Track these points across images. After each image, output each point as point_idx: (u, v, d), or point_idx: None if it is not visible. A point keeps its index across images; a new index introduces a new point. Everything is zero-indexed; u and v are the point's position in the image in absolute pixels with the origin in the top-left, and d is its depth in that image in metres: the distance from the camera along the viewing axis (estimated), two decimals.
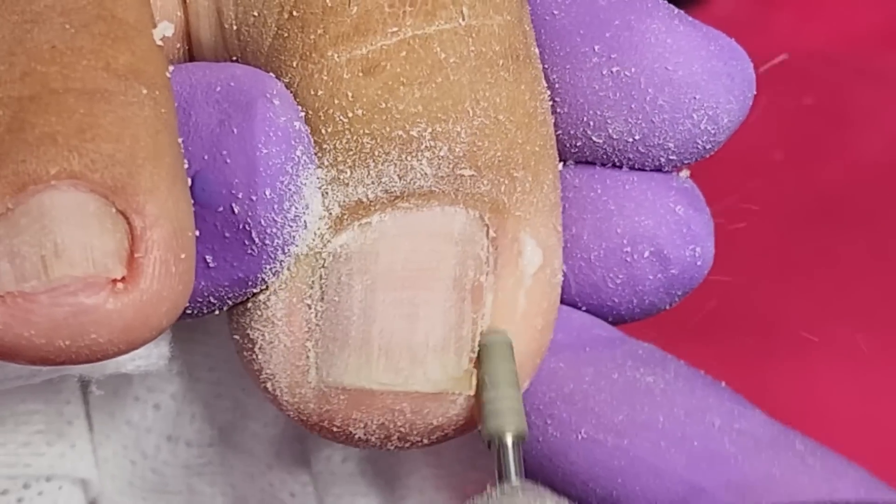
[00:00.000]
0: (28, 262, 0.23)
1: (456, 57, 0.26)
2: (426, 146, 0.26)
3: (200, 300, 0.26)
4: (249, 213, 0.25)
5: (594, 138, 0.28)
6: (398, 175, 0.26)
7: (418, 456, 0.32)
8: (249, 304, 0.26)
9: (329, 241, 0.26)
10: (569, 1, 0.28)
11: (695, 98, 0.28)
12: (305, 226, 0.26)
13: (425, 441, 0.27)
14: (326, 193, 0.26)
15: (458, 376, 0.26)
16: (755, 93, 0.28)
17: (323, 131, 0.26)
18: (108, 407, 0.32)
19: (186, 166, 0.25)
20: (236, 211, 0.25)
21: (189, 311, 0.26)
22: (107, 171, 0.23)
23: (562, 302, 0.28)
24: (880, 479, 0.28)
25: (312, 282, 0.26)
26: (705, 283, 0.32)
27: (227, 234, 0.25)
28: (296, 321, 0.26)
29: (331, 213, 0.26)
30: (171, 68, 0.26)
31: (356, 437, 0.27)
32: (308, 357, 0.26)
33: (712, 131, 0.28)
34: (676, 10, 0.28)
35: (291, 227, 0.26)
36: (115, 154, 0.23)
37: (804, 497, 0.26)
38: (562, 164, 0.29)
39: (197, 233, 0.25)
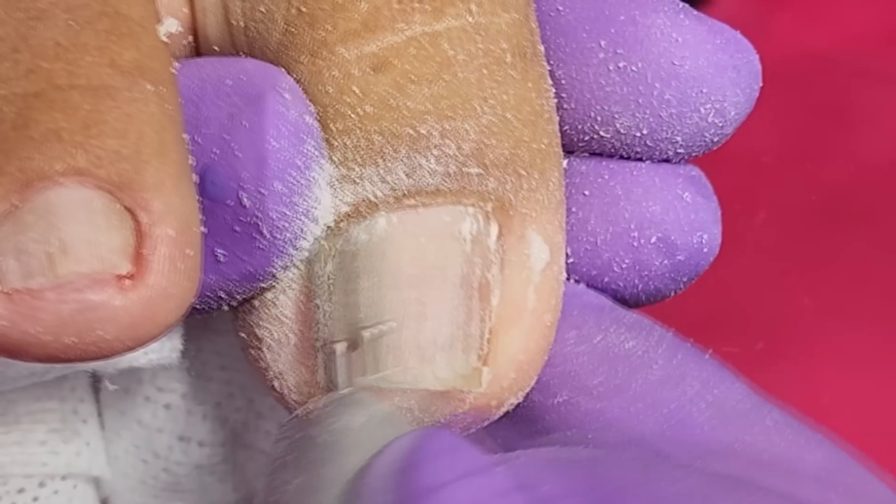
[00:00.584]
0: (34, 259, 0.23)
1: (465, 55, 0.26)
2: (434, 144, 0.26)
3: (209, 294, 0.26)
4: (259, 207, 0.25)
5: (602, 133, 0.28)
6: (406, 173, 0.26)
7: None
8: (257, 303, 0.26)
9: (337, 240, 0.26)
10: None
11: (702, 92, 0.28)
12: (315, 220, 0.26)
13: None
14: (335, 191, 0.26)
15: (467, 374, 0.26)
16: (761, 84, 0.28)
17: (332, 128, 0.26)
18: (119, 405, 0.32)
19: (196, 160, 0.25)
20: (246, 205, 0.25)
21: (197, 306, 0.26)
22: (112, 167, 0.23)
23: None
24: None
25: (321, 280, 0.26)
26: (707, 282, 0.32)
27: (236, 228, 0.25)
28: (304, 320, 0.26)
29: (339, 211, 0.26)
30: (177, 64, 0.26)
31: None
32: (316, 356, 0.26)
33: (720, 124, 0.28)
34: (681, 4, 0.28)
35: (301, 221, 0.26)
36: (120, 150, 0.23)
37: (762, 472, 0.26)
38: (570, 156, 0.29)
39: (206, 227, 0.25)
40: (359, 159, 0.26)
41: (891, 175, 0.61)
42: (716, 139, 0.28)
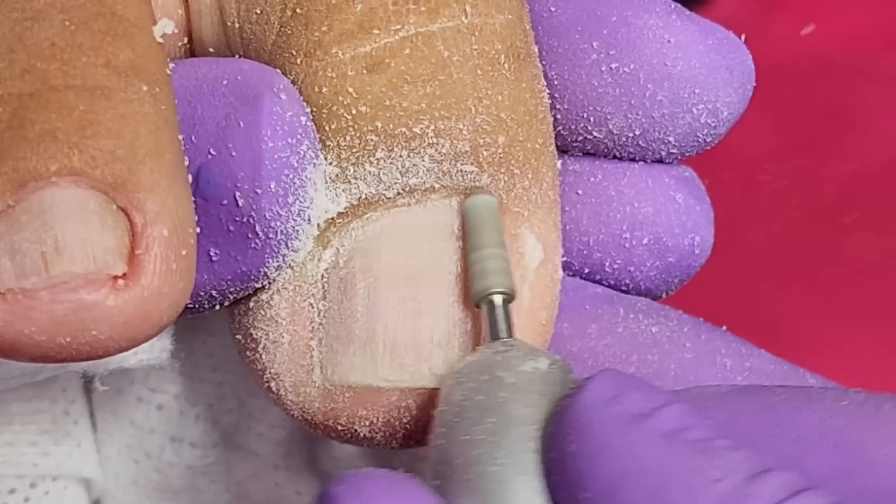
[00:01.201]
0: (29, 258, 0.23)
1: (459, 55, 0.26)
2: (429, 143, 0.26)
3: (202, 293, 0.26)
4: (254, 207, 0.25)
5: (595, 133, 0.28)
6: (400, 172, 0.26)
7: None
8: (252, 304, 0.26)
9: (331, 240, 0.26)
10: None
11: (694, 92, 0.28)
12: (309, 220, 0.26)
13: (430, 437, 0.27)
14: (330, 190, 0.26)
15: None
16: (754, 84, 0.28)
17: (327, 128, 0.26)
18: (111, 406, 0.32)
19: (191, 159, 0.25)
20: (240, 204, 0.25)
21: (190, 305, 0.26)
22: (107, 167, 0.23)
23: None
24: None
25: (315, 280, 0.26)
26: (705, 282, 0.32)
27: (230, 228, 0.25)
28: (299, 320, 0.26)
29: (334, 210, 0.26)
30: (172, 65, 0.26)
31: (361, 434, 0.26)
32: (312, 356, 0.26)
33: (712, 124, 0.28)
34: (674, 5, 0.28)
35: (295, 221, 0.26)
36: (115, 151, 0.23)
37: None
38: (564, 155, 0.29)
39: (200, 227, 0.25)
40: (353, 159, 0.26)
41: (890, 175, 0.61)
42: (709, 139, 0.28)
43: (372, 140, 0.26)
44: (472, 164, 0.26)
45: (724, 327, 0.29)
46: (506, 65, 0.26)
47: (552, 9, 0.28)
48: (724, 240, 0.31)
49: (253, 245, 0.26)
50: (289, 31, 0.26)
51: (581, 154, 0.29)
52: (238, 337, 0.27)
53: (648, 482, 0.22)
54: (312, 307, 0.26)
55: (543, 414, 0.24)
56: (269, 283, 0.26)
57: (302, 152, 0.25)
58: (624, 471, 0.22)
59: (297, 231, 0.26)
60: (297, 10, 0.26)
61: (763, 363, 0.27)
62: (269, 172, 0.25)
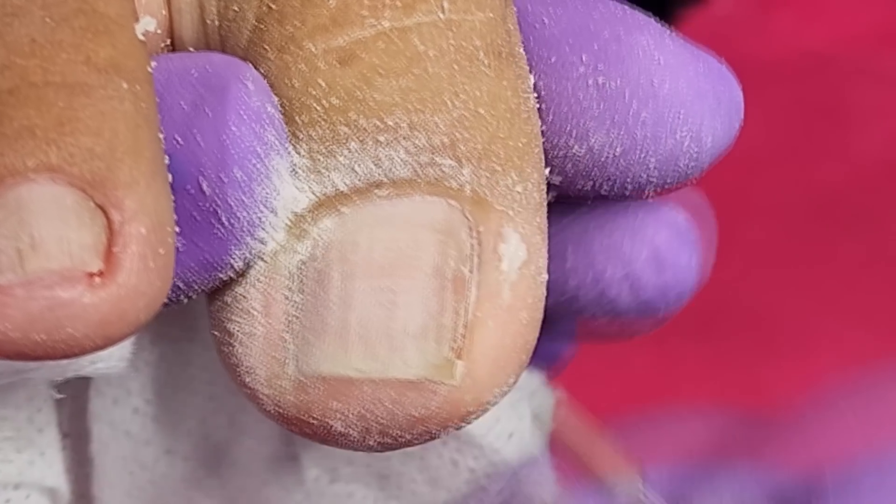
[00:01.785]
0: (4, 255, 0.23)
1: (435, 50, 0.26)
2: (403, 135, 0.25)
3: None
4: (218, 194, 0.25)
5: (575, 149, 0.28)
6: (375, 164, 0.26)
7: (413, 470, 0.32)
8: (228, 298, 0.26)
9: (307, 232, 0.26)
10: (559, 11, 0.28)
11: (679, 114, 0.27)
12: (274, 211, 0.26)
13: (407, 436, 0.27)
14: (303, 183, 0.26)
15: (439, 364, 0.26)
16: (742, 119, 0.28)
17: (298, 121, 0.26)
18: (109, 416, 0.32)
19: None
20: (205, 191, 0.25)
21: None
22: (85, 164, 0.23)
23: None
24: None
25: (290, 272, 0.26)
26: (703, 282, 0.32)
27: (195, 216, 0.25)
28: (274, 312, 0.26)
29: (308, 203, 0.26)
30: (154, 64, 0.26)
31: (335, 430, 0.26)
32: (286, 348, 0.26)
33: (695, 152, 0.27)
34: (668, 29, 0.28)
35: (260, 210, 0.25)
36: (93, 148, 0.23)
37: None
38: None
39: None
40: (325, 150, 0.26)
41: (887, 174, 0.61)
42: (690, 169, 0.28)
43: (344, 131, 0.25)
44: (450, 158, 0.26)
45: (721, 325, 0.30)
46: (485, 61, 0.26)
47: (545, 20, 0.28)
48: (720, 237, 0.31)
49: (217, 233, 0.25)
50: (263, 27, 0.26)
51: (560, 175, 0.29)
52: (215, 333, 0.27)
53: None
54: (287, 299, 0.26)
55: None
56: (243, 274, 0.26)
57: (268, 141, 0.25)
58: None
59: (262, 221, 0.26)
60: (272, 6, 0.26)
61: None
62: (233, 159, 0.25)
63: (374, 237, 0.26)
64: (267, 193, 0.25)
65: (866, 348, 0.58)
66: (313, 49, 0.26)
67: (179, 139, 0.25)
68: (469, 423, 0.27)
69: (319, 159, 0.26)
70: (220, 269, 0.26)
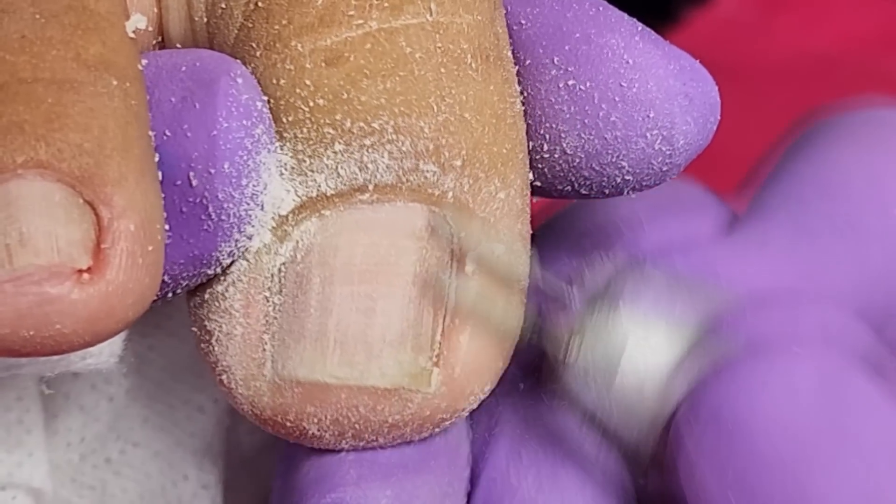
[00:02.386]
0: None
1: (422, 52, 0.26)
2: (388, 139, 0.25)
3: None
4: (207, 187, 0.25)
5: (550, 152, 0.28)
6: (359, 167, 0.26)
7: None
8: (207, 296, 0.26)
9: (289, 233, 0.26)
10: (536, 11, 0.28)
11: (648, 116, 0.27)
12: (262, 206, 0.26)
13: (381, 440, 0.27)
14: (286, 182, 0.26)
15: (416, 373, 0.26)
16: (719, 118, 0.28)
17: (284, 120, 0.26)
18: (105, 418, 0.32)
19: None
20: (194, 184, 0.25)
21: None
22: (74, 160, 0.23)
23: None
24: None
25: (271, 274, 0.26)
26: None
27: (183, 209, 0.25)
28: (253, 313, 0.26)
29: (291, 204, 0.26)
30: (145, 61, 0.26)
31: (310, 432, 0.26)
32: (264, 349, 0.26)
33: (667, 152, 0.27)
34: (640, 27, 0.28)
35: (248, 205, 0.26)
36: (83, 144, 0.23)
37: None
38: None
39: None
40: (310, 151, 0.26)
41: None
42: (664, 168, 0.27)
43: (329, 133, 0.25)
44: (434, 163, 0.26)
45: None
46: (472, 65, 0.26)
47: (522, 22, 0.28)
48: None
49: (205, 227, 0.25)
50: (250, 25, 0.26)
51: (538, 180, 0.28)
52: (194, 329, 0.27)
53: None
54: (267, 301, 0.26)
55: None
56: (224, 273, 0.26)
57: (256, 136, 0.25)
58: None
59: (250, 215, 0.26)
60: (259, 4, 0.26)
61: None
62: (223, 153, 0.25)
63: (355, 242, 0.26)
64: (256, 188, 0.26)
65: None
66: (300, 48, 0.26)
67: (168, 133, 0.25)
68: (445, 427, 0.27)
69: (304, 160, 0.26)
70: (207, 264, 0.26)
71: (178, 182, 0.25)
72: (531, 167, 0.28)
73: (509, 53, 0.27)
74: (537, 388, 0.28)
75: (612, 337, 0.26)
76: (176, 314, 0.28)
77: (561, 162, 0.28)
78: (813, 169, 0.31)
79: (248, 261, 0.26)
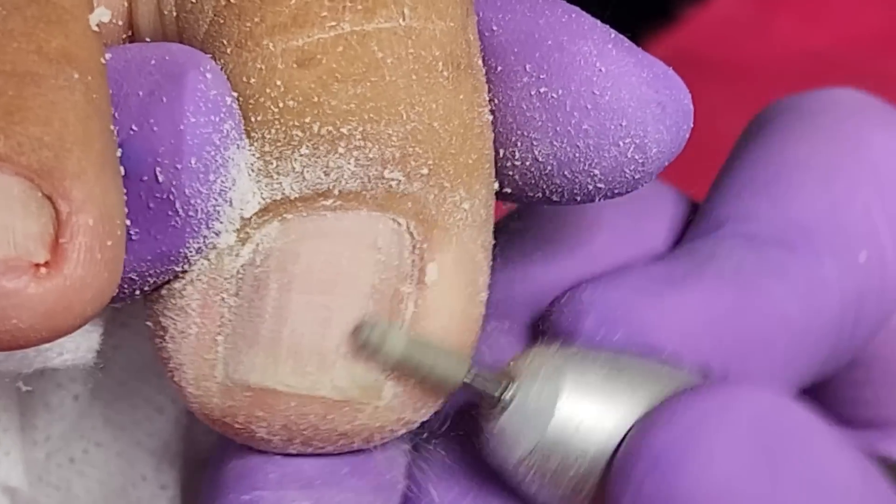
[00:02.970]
0: None
1: (393, 57, 0.25)
2: (356, 146, 0.25)
3: (122, 277, 0.26)
4: (174, 182, 0.25)
5: (520, 160, 0.27)
6: (325, 172, 0.25)
7: None
8: (164, 292, 0.26)
9: (251, 235, 0.26)
10: (508, 18, 0.28)
11: (621, 125, 0.27)
12: (230, 203, 0.25)
13: (329, 447, 0.26)
14: (252, 182, 0.25)
15: (367, 386, 0.26)
16: (692, 125, 0.27)
17: (252, 120, 0.25)
18: (42, 400, 0.31)
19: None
20: (161, 180, 0.25)
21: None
22: (33, 154, 0.23)
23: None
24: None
25: (231, 275, 0.26)
26: None
27: (151, 205, 0.25)
28: (209, 313, 0.26)
29: (255, 206, 0.26)
30: (108, 55, 0.25)
31: (258, 436, 0.26)
32: (217, 351, 0.26)
33: (640, 160, 0.27)
34: (613, 34, 0.27)
35: (216, 201, 0.25)
36: (42, 137, 0.23)
37: None
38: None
39: None
40: (277, 153, 0.25)
41: None
42: (637, 176, 0.27)
43: (297, 136, 0.25)
44: (400, 172, 0.25)
45: None
46: (444, 73, 0.26)
47: (494, 28, 0.28)
48: None
49: (173, 223, 0.25)
50: (221, 21, 0.26)
51: (508, 187, 0.28)
52: (149, 324, 0.27)
53: None
54: (224, 302, 0.26)
55: None
56: (186, 271, 0.26)
57: (225, 131, 0.25)
58: None
59: (218, 212, 0.25)
60: (231, 0, 0.26)
61: None
62: (190, 148, 0.25)
63: (316, 250, 0.25)
64: (224, 184, 0.25)
65: None
66: (272, 48, 0.25)
67: (135, 128, 0.25)
68: (395, 436, 0.27)
69: (271, 162, 0.25)
70: (175, 260, 0.26)
71: (145, 177, 0.25)
72: (503, 174, 0.28)
73: (480, 61, 0.27)
74: (474, 426, 0.28)
75: (550, 378, 0.26)
76: (142, 313, 0.28)
77: (532, 169, 0.27)
78: (763, 164, 0.31)
79: (209, 260, 0.26)
